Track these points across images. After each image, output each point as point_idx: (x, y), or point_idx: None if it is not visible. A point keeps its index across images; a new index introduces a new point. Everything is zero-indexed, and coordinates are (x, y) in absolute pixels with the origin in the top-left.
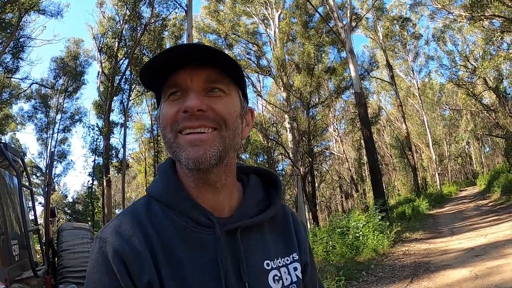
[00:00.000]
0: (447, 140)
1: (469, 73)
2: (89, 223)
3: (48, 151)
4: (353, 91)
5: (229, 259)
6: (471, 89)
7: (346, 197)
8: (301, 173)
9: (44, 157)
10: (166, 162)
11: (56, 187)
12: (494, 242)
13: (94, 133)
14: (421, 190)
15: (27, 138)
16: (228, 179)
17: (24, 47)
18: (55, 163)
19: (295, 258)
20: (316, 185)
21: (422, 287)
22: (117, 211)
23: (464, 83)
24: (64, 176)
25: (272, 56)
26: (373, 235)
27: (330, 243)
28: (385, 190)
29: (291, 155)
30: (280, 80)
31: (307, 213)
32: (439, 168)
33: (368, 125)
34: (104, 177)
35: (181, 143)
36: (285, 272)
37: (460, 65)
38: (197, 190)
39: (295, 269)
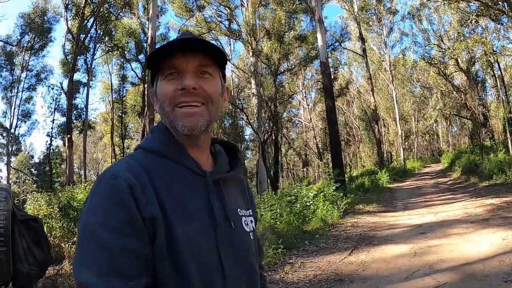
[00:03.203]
0: (416, 116)
1: (442, 52)
2: (50, 184)
3: (12, 110)
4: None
5: (216, 202)
6: (442, 69)
7: (304, 165)
8: (261, 139)
9: (9, 117)
10: (161, 124)
11: (22, 147)
12: (442, 220)
13: (54, 92)
14: (385, 164)
15: None
16: (208, 142)
17: None
18: (19, 122)
19: (250, 213)
20: (284, 151)
21: (359, 261)
22: (81, 172)
23: (436, 62)
24: (29, 136)
25: (243, 20)
26: (323, 205)
27: (278, 210)
28: (349, 161)
29: (255, 121)
30: (249, 45)
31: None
32: (406, 143)
33: (331, 95)
34: (66, 137)
35: (178, 114)
36: (248, 221)
37: (434, 44)
38: (189, 149)
39: (251, 221)
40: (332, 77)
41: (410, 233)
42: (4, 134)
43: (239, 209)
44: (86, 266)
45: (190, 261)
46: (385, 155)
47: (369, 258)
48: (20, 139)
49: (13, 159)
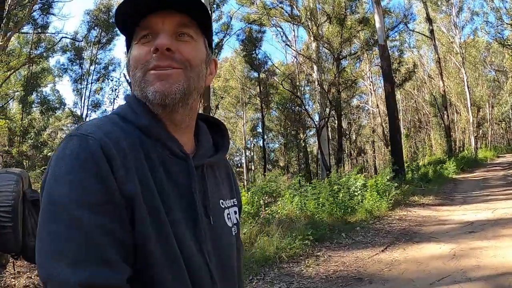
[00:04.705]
0: (490, 102)
1: None
2: None
3: (83, 101)
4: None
5: (198, 192)
6: None
7: (358, 153)
8: (318, 125)
9: (79, 107)
10: (134, 96)
11: None
12: (498, 218)
13: (113, 84)
14: (455, 152)
15: (64, 89)
16: (191, 121)
17: (53, 3)
18: (89, 112)
19: (235, 203)
20: (354, 138)
21: (390, 259)
22: None
23: (510, 44)
24: None
25: (302, 5)
26: (370, 195)
27: (321, 199)
28: (418, 148)
29: (318, 107)
30: (309, 29)
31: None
32: (480, 131)
33: (390, 80)
34: None
35: (149, 78)
36: (231, 213)
37: (507, 23)
38: (167, 128)
39: (235, 212)
40: (398, 61)
41: (458, 231)
42: (78, 124)
43: (221, 201)
44: (58, 254)
45: (177, 249)
46: (456, 143)
47: (402, 257)
48: None
49: None
